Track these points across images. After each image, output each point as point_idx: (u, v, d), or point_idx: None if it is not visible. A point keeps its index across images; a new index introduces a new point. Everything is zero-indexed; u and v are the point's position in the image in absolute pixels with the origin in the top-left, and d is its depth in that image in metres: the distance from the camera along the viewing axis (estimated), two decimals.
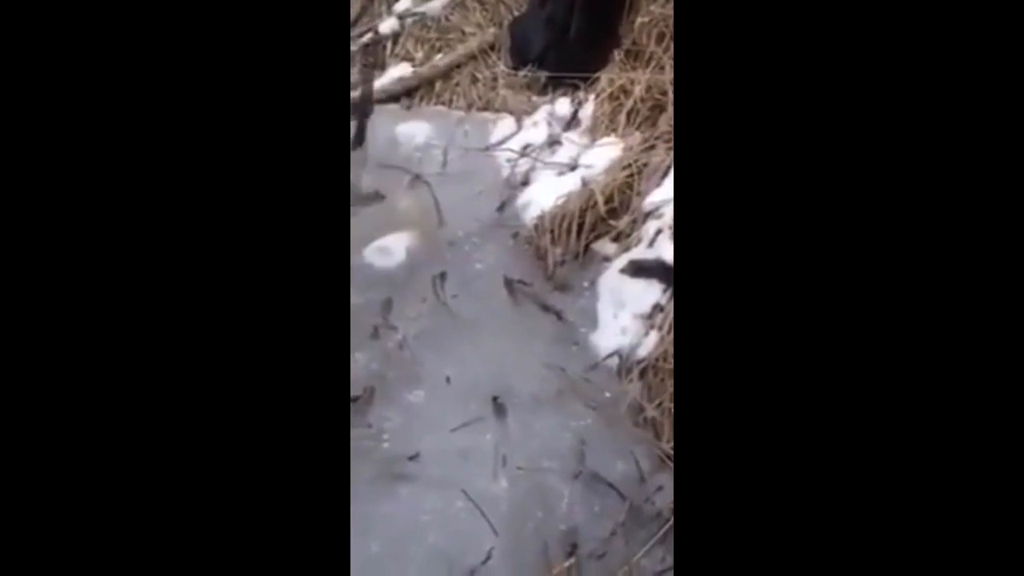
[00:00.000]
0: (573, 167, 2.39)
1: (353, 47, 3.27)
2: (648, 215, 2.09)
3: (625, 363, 1.81)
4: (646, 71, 2.51)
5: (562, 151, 2.49)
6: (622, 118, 2.43)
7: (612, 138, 2.41)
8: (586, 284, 2.07)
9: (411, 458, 1.62)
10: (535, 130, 2.61)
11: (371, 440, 1.68)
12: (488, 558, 1.44)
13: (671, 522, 1.48)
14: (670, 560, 1.44)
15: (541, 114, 2.66)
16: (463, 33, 3.12)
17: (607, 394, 1.77)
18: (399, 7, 3.38)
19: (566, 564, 1.44)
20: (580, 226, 2.14)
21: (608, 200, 2.15)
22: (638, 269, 2.00)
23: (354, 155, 2.54)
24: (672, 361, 1.74)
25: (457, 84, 2.90)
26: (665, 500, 1.53)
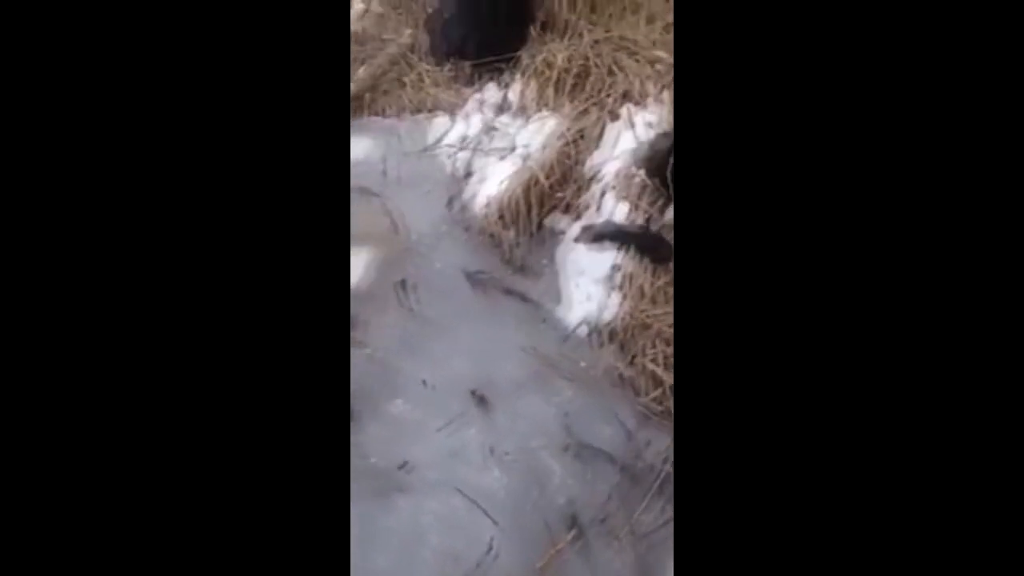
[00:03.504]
0: (513, 149, 2.39)
1: None
2: (591, 180, 2.09)
3: (595, 329, 1.82)
4: (564, 40, 2.51)
5: (499, 136, 2.48)
6: (550, 91, 2.42)
7: (544, 113, 2.41)
8: (544, 261, 2.07)
9: (401, 467, 1.62)
10: (469, 121, 2.60)
11: (359, 458, 1.68)
12: (491, 548, 1.44)
13: (664, 473, 1.49)
14: (670, 511, 1.45)
15: (472, 104, 2.65)
16: (382, 41, 3.11)
17: (582, 363, 1.77)
18: None
19: (569, 537, 1.45)
20: (528, 205, 2.14)
21: (549, 174, 2.14)
22: (592, 236, 2.00)
23: None
24: (639, 318, 1.75)
25: (385, 92, 2.89)
26: (655, 454, 1.54)
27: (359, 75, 2.93)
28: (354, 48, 3.15)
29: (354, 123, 2.87)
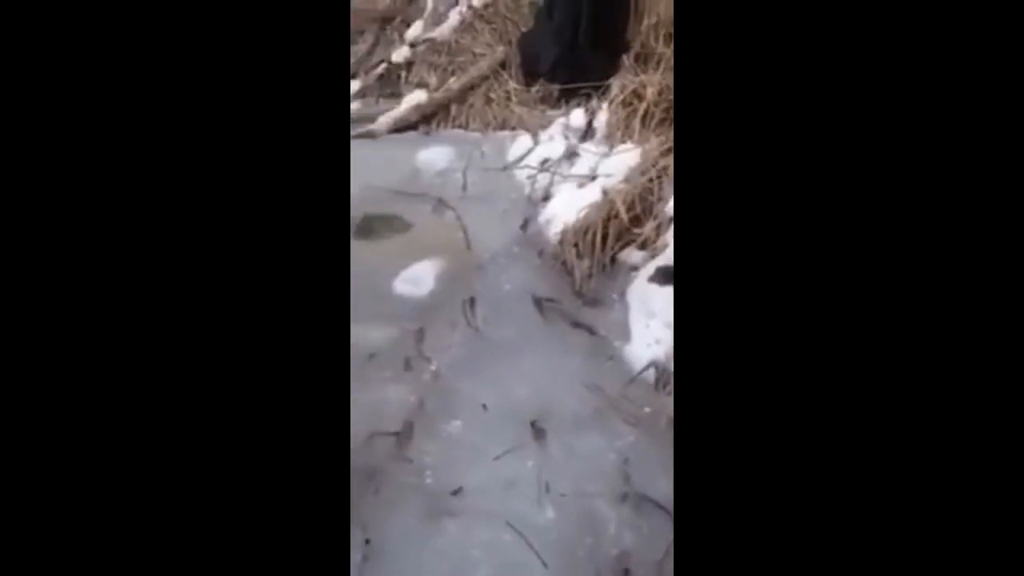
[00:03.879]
0: (593, 177, 2.37)
1: (369, 79, 3.32)
2: (672, 219, 2.05)
3: (662, 375, 1.78)
4: (657, 73, 2.48)
5: (580, 162, 2.47)
6: (637, 123, 2.40)
7: (629, 144, 2.39)
8: (615, 296, 2.04)
9: (454, 493, 1.62)
10: (552, 144, 2.60)
11: (414, 476, 1.68)
12: None
13: None
14: None
15: (556, 127, 2.65)
16: (474, 55, 3.14)
17: (646, 409, 1.73)
18: (410, 35, 3.42)
19: None
20: (604, 237, 2.12)
21: (630, 208, 2.12)
22: (666, 275, 1.96)
23: None
24: None
25: (471, 105, 2.91)
26: None
27: (450, 86, 2.96)
28: (445, 58, 3.20)
29: (438, 133, 2.91)
